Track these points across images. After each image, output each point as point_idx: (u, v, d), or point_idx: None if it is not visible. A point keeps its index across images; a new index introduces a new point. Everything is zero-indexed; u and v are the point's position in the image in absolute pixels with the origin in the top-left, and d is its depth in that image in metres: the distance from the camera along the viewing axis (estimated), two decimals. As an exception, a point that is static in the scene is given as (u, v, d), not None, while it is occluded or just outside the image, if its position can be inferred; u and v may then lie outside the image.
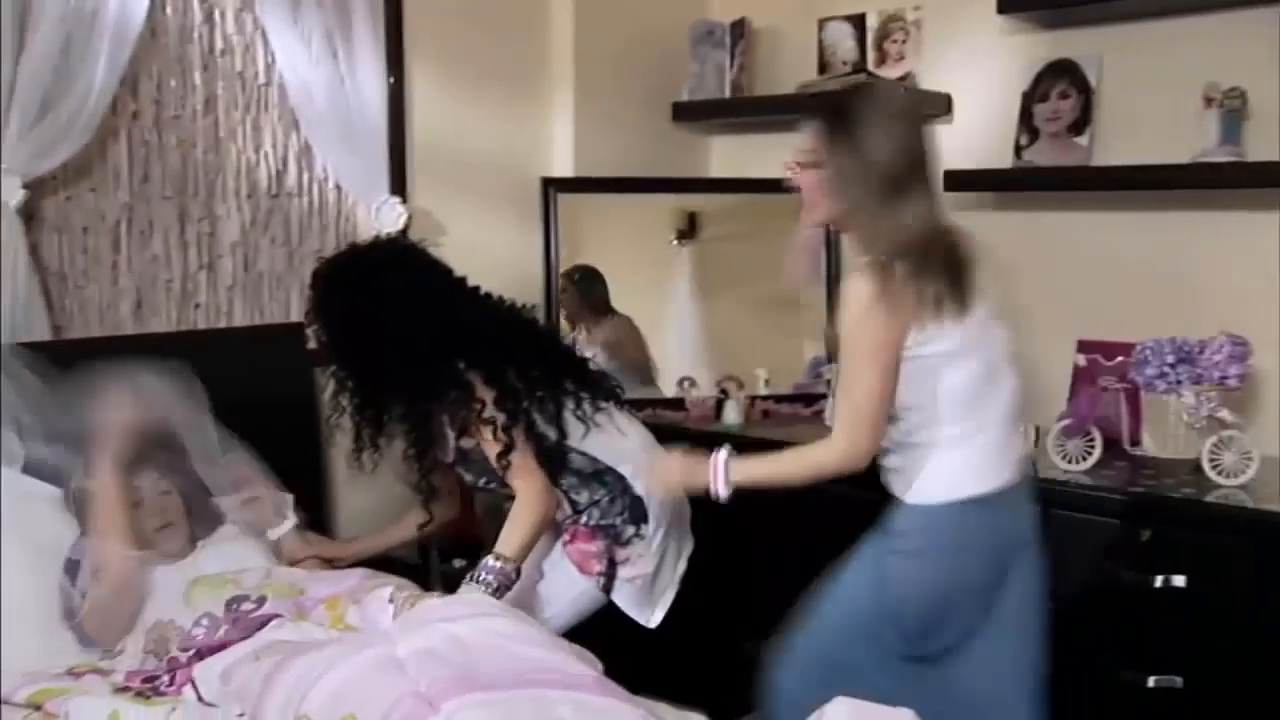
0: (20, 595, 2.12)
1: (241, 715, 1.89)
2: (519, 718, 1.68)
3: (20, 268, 2.35)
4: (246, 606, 2.07)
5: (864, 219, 1.99)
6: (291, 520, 2.40)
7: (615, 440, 2.42)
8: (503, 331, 2.36)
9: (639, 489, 2.38)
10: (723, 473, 2.04)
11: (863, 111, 1.98)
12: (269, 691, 1.87)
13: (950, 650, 2.03)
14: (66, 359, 2.32)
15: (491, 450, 2.27)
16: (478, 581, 2.19)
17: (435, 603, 2.05)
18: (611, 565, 2.38)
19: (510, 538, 2.24)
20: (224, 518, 2.37)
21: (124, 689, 1.97)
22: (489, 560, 2.21)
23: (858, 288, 1.94)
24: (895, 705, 1.70)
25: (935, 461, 1.97)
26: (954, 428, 1.97)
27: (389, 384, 2.28)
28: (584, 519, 2.38)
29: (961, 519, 1.97)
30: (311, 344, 2.54)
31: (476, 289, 2.42)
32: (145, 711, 1.87)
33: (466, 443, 2.33)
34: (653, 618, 2.43)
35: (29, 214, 2.42)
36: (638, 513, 2.39)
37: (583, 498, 2.38)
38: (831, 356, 2.06)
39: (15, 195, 2.33)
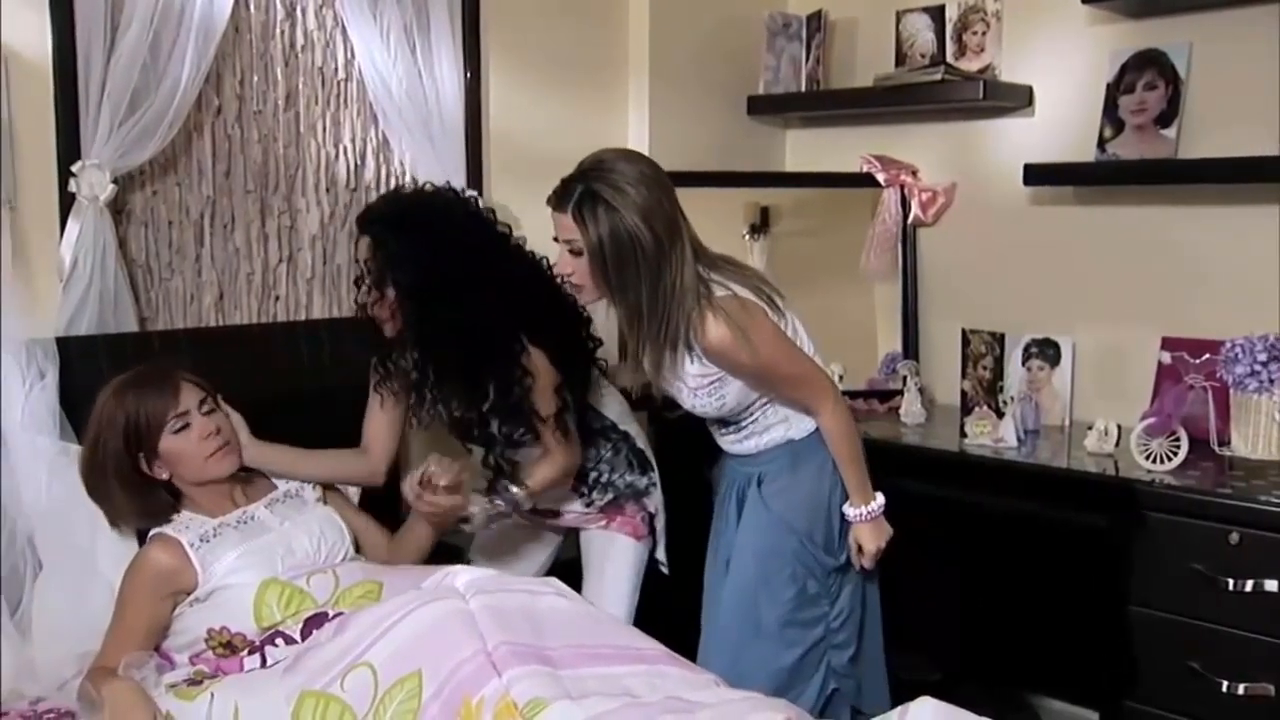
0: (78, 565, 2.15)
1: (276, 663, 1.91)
2: (579, 693, 1.70)
3: (109, 261, 2.41)
4: (325, 631, 1.96)
5: (641, 289, 2.04)
6: None
7: (609, 398, 2.51)
8: (547, 288, 2.23)
9: (640, 443, 2.50)
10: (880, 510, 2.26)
11: (606, 190, 2.01)
12: (330, 640, 1.88)
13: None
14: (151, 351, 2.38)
15: (548, 408, 2.21)
16: (497, 498, 2.20)
17: (507, 576, 2.07)
18: (651, 520, 2.50)
19: (540, 474, 2.25)
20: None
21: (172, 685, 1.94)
22: (513, 487, 2.21)
23: (719, 330, 2.05)
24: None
25: (781, 410, 2.24)
26: None
27: (462, 331, 2.14)
28: (592, 476, 2.41)
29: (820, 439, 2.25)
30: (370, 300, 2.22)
31: (518, 244, 2.33)
32: (184, 706, 1.85)
33: (504, 399, 2.20)
34: (661, 557, 2.54)
35: (117, 208, 2.48)
36: (644, 461, 2.50)
37: (589, 454, 2.41)
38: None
39: (105, 190, 2.38)
